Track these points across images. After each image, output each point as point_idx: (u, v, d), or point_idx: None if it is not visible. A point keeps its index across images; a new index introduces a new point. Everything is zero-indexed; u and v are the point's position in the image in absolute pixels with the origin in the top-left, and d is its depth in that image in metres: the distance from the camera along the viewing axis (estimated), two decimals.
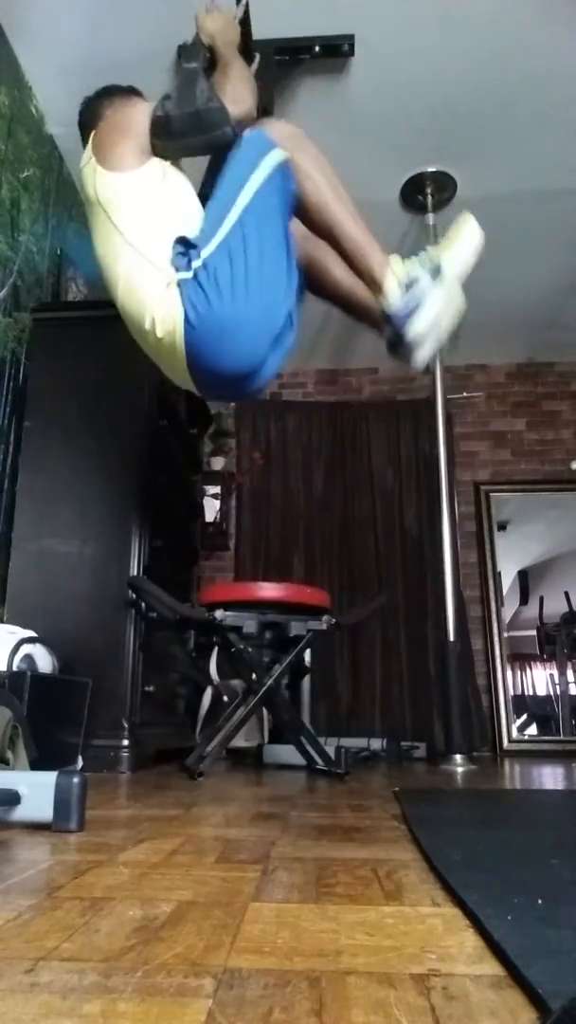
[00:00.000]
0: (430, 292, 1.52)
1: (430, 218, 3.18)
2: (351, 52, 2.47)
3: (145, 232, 1.58)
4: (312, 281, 1.73)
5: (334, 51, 2.46)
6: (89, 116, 1.76)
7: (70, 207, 3.01)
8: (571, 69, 2.56)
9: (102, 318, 2.71)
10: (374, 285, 1.57)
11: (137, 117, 1.64)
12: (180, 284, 1.49)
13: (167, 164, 1.67)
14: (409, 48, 2.50)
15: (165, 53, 2.51)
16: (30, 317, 2.58)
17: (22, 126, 2.59)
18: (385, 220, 3.26)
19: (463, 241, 1.58)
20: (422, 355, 1.57)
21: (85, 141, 1.76)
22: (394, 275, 1.54)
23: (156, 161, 1.65)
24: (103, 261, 1.67)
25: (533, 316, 4.02)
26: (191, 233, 1.56)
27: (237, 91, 1.64)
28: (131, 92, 1.81)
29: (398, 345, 1.58)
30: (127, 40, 2.47)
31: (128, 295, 1.59)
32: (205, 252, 1.49)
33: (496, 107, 2.72)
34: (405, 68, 2.57)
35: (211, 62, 1.75)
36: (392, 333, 1.57)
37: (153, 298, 1.53)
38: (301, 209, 1.58)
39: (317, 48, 2.44)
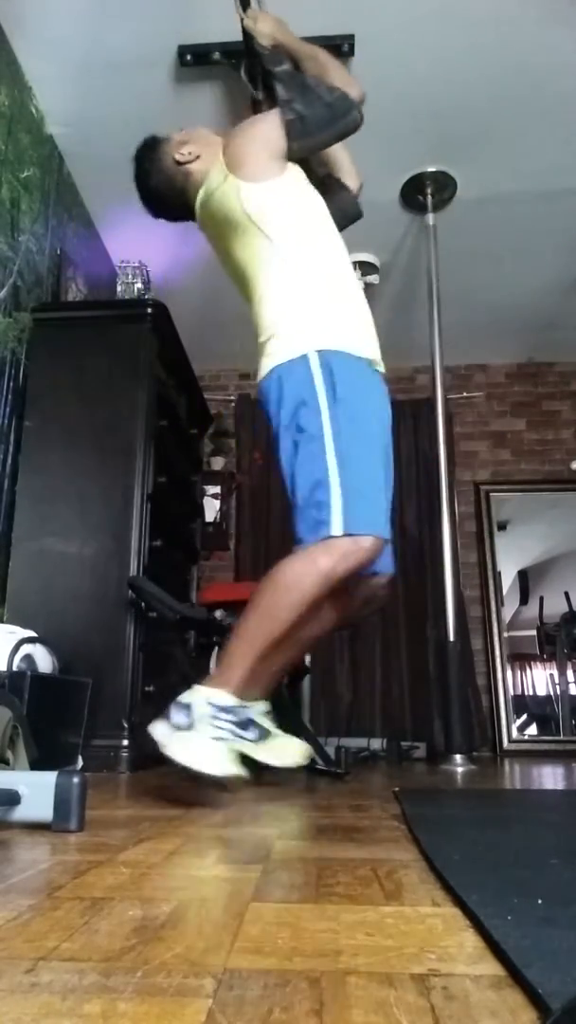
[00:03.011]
0: (199, 733, 1.44)
1: (430, 218, 3.18)
2: (351, 52, 2.47)
3: (297, 243, 1.61)
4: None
5: (334, 51, 2.45)
6: (155, 166, 1.76)
7: (70, 207, 3.02)
8: (572, 68, 2.56)
9: (102, 318, 2.73)
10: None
11: (264, 128, 1.65)
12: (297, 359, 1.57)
13: (296, 168, 1.69)
14: (409, 48, 2.50)
15: (165, 53, 2.52)
16: (30, 317, 2.58)
17: (22, 126, 2.59)
18: (385, 220, 3.26)
19: (285, 754, 1.48)
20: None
21: (155, 201, 1.78)
22: (202, 689, 1.51)
23: (291, 166, 1.67)
24: (246, 274, 1.67)
25: (533, 316, 4.02)
26: (344, 257, 1.68)
27: (341, 75, 1.66)
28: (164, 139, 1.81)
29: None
30: (127, 40, 2.47)
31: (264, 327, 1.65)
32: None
33: (497, 107, 2.72)
34: (405, 68, 2.57)
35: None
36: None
37: (277, 341, 1.61)
38: None
39: None
